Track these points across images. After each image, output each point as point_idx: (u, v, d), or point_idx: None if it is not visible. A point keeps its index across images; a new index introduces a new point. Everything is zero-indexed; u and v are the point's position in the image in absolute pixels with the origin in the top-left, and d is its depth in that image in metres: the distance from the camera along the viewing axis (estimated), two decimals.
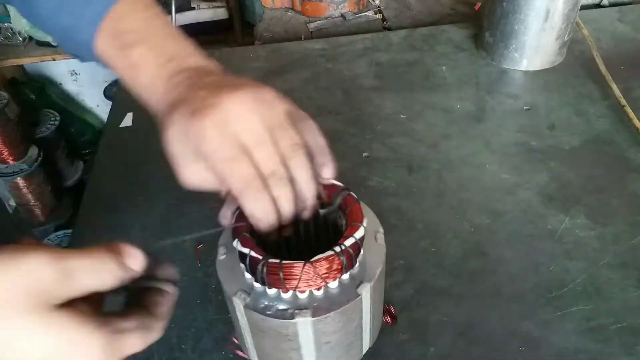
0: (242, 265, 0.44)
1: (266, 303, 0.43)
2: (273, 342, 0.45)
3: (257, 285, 0.43)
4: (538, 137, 0.80)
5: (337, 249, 0.42)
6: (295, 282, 0.41)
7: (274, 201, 0.41)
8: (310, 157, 0.43)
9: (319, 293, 0.43)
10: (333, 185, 0.47)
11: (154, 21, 0.48)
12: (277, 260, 0.41)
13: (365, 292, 0.43)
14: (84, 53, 0.48)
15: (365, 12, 1.20)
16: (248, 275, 0.44)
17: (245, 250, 0.42)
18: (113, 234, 0.68)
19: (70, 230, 1.53)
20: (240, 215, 0.44)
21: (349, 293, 0.43)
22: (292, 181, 0.42)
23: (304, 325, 0.42)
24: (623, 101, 0.82)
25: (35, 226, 1.58)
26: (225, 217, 0.45)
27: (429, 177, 0.74)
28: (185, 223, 0.68)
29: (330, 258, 0.42)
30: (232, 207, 0.45)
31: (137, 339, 0.35)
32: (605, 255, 0.63)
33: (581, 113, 0.84)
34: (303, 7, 1.20)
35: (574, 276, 0.61)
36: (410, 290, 0.60)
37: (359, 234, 0.44)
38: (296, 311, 0.42)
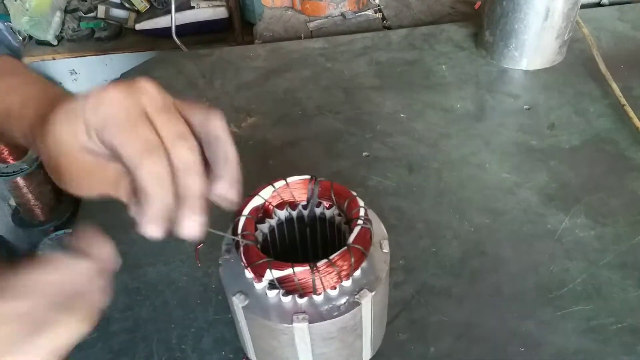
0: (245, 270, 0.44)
1: (265, 305, 0.43)
2: (271, 343, 0.45)
3: (257, 286, 0.43)
4: (538, 136, 0.79)
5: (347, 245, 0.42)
6: (318, 284, 0.41)
7: (183, 173, 0.35)
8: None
9: (319, 298, 0.43)
10: (342, 190, 0.47)
11: (21, 75, 0.47)
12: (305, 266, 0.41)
13: (366, 301, 0.43)
14: None
15: (365, 11, 1.20)
16: (249, 276, 0.44)
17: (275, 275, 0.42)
18: (113, 234, 0.68)
19: (70, 230, 1.53)
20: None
21: (350, 301, 0.43)
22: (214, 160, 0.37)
23: (301, 330, 0.42)
24: (623, 100, 0.81)
25: (35, 226, 1.58)
26: (138, 216, 0.37)
27: (429, 177, 0.74)
28: None
29: (343, 255, 0.42)
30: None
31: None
32: (605, 255, 0.63)
33: (581, 112, 0.84)
34: (303, 6, 1.20)
35: (574, 276, 0.61)
36: (410, 290, 0.60)
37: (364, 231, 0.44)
38: (294, 316, 0.42)
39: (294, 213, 0.49)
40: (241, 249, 0.43)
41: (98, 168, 0.38)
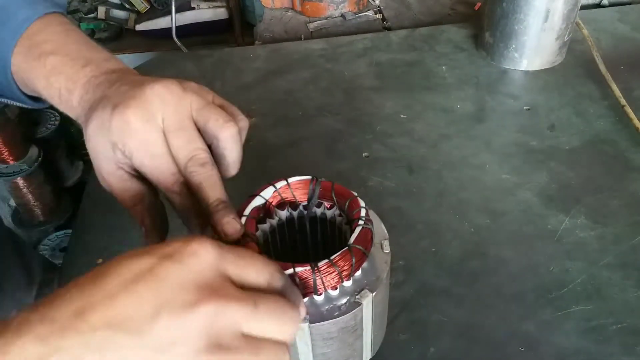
0: None
1: None
2: None
3: None
4: (538, 137, 0.80)
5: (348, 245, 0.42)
6: (319, 285, 0.41)
7: (199, 189, 0.40)
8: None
9: (319, 298, 0.43)
10: (342, 190, 0.47)
11: (69, 33, 0.47)
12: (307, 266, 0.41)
13: (367, 301, 0.43)
14: (1, 73, 0.47)
15: (365, 12, 1.20)
16: None
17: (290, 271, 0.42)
18: (113, 234, 0.68)
19: (70, 230, 1.53)
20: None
21: (351, 301, 0.43)
22: (219, 160, 0.42)
23: (301, 330, 0.42)
24: (623, 101, 0.82)
25: (35, 226, 1.58)
26: (153, 237, 0.45)
27: (429, 177, 0.74)
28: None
29: (344, 255, 0.42)
30: (157, 234, 0.44)
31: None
32: (605, 256, 0.63)
33: (581, 113, 0.84)
34: (303, 7, 1.21)
35: (574, 276, 0.61)
36: (410, 290, 0.60)
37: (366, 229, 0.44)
38: None
39: (295, 213, 0.49)
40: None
41: (121, 177, 0.42)
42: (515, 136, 0.80)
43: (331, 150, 0.80)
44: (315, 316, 0.42)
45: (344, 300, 0.43)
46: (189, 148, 0.40)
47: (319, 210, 0.49)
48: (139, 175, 0.42)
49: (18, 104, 0.50)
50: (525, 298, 0.59)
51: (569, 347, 0.54)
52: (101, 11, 1.92)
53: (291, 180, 0.48)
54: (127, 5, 1.92)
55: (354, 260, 0.42)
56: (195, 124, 0.41)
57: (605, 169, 0.74)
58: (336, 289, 0.43)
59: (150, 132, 0.39)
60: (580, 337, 0.55)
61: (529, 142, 0.79)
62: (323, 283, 0.42)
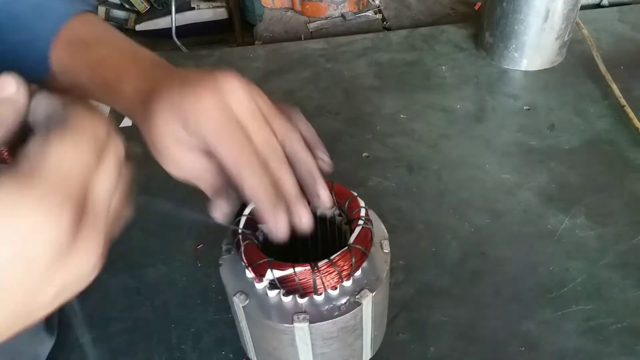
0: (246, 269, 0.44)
1: (266, 305, 0.43)
2: (271, 343, 0.45)
3: (258, 286, 0.43)
4: (538, 137, 0.80)
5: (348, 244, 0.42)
6: (318, 284, 0.41)
7: (277, 184, 0.39)
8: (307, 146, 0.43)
9: (319, 298, 0.43)
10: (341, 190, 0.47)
11: (110, 30, 0.47)
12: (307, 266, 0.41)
13: (367, 301, 0.43)
14: (39, 67, 0.46)
15: (365, 12, 1.20)
16: (249, 276, 0.44)
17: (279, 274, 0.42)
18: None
19: None
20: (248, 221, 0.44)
21: (351, 301, 0.43)
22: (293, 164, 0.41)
23: (301, 330, 0.42)
24: (623, 101, 0.82)
25: None
26: (221, 210, 0.42)
27: (429, 178, 0.74)
28: (186, 223, 0.68)
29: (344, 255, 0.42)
30: (228, 202, 0.43)
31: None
32: (605, 255, 0.63)
33: (581, 113, 0.84)
34: (303, 7, 1.21)
35: (574, 276, 0.61)
36: (410, 290, 0.60)
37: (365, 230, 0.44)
38: (294, 316, 0.42)
39: None
40: (242, 248, 0.43)
41: (192, 159, 0.40)
42: (515, 136, 0.80)
43: (331, 150, 0.79)
44: (315, 316, 0.42)
45: (343, 300, 0.43)
46: (271, 140, 0.40)
47: (318, 210, 0.49)
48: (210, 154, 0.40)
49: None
50: (525, 298, 0.59)
51: (569, 347, 0.54)
52: (101, 11, 1.92)
53: None
54: (127, 5, 1.92)
55: (353, 260, 0.42)
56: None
57: (605, 169, 0.74)
58: (336, 288, 0.43)
59: (222, 109, 0.38)
60: (580, 337, 0.55)
61: (529, 142, 0.79)
62: (323, 283, 0.42)
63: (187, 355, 0.55)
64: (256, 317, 0.43)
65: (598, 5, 1.13)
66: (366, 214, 0.46)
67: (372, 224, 0.46)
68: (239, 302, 0.43)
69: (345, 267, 0.42)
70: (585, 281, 0.60)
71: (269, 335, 0.44)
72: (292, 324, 0.42)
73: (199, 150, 0.40)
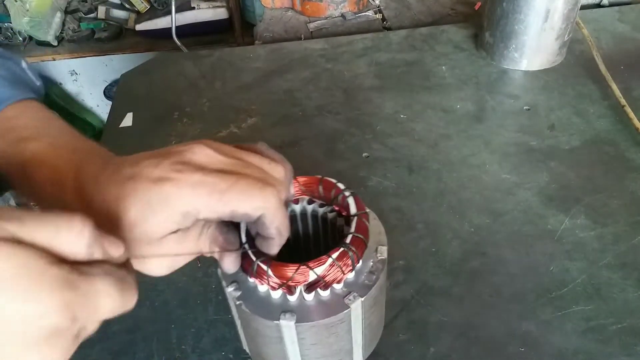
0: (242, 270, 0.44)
1: (256, 299, 0.43)
2: (261, 337, 0.45)
3: (250, 280, 0.43)
4: (538, 137, 0.80)
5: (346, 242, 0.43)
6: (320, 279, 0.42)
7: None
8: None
9: (309, 297, 0.43)
10: (337, 188, 0.47)
11: (50, 120, 0.44)
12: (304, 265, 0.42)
13: (356, 305, 0.43)
14: None
15: (365, 12, 1.20)
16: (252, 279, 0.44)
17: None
18: None
19: None
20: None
21: (340, 303, 0.43)
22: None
23: (287, 328, 0.42)
24: (623, 101, 0.82)
25: None
26: (231, 263, 0.42)
27: (429, 177, 0.74)
28: None
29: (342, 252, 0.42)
30: (233, 248, 0.42)
31: (111, 289, 0.28)
32: (605, 256, 0.63)
33: (581, 113, 0.84)
34: (303, 7, 1.21)
35: (574, 276, 0.61)
36: (410, 290, 0.60)
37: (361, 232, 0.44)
38: (282, 314, 0.42)
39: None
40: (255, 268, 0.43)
41: (181, 241, 0.38)
42: (515, 136, 0.80)
43: (331, 150, 0.80)
44: (303, 316, 0.42)
45: (333, 302, 0.43)
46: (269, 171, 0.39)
47: (306, 207, 0.49)
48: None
49: None
50: (525, 298, 0.59)
51: (569, 347, 0.54)
52: (101, 11, 1.93)
53: None
54: (127, 5, 1.92)
55: (352, 259, 0.42)
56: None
57: (605, 169, 0.74)
58: (341, 282, 0.43)
59: (208, 174, 0.36)
60: (580, 337, 0.55)
61: (529, 142, 0.79)
62: (343, 271, 0.42)
63: (187, 355, 0.55)
64: (246, 310, 0.43)
65: (598, 5, 1.13)
66: (359, 205, 0.46)
67: (355, 195, 0.46)
68: (232, 293, 0.44)
69: (347, 263, 0.42)
70: (585, 281, 0.60)
71: (258, 329, 0.44)
72: (277, 320, 0.42)
73: (186, 227, 0.37)
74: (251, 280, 0.43)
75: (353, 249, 0.43)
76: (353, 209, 0.46)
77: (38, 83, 0.49)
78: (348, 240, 0.43)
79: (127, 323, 0.59)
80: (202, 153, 0.37)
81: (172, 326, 0.58)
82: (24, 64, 0.48)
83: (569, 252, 0.63)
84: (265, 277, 0.41)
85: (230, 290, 0.44)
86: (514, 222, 0.67)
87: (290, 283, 0.42)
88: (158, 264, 0.38)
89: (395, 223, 0.67)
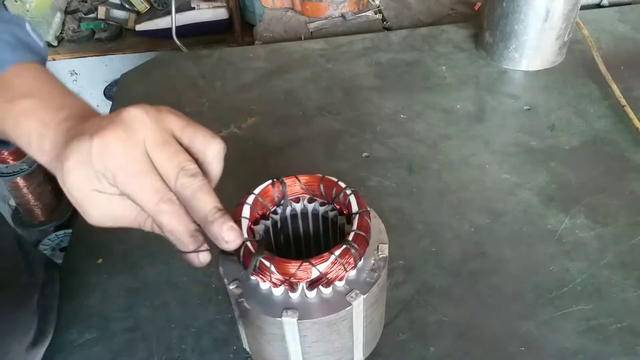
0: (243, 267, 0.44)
1: (258, 297, 0.43)
2: (263, 335, 0.45)
3: (252, 277, 0.43)
4: (538, 137, 0.80)
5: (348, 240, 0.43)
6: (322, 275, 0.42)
7: (192, 200, 0.39)
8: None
9: (311, 295, 0.43)
10: (338, 186, 0.47)
11: (46, 79, 0.46)
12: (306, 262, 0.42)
13: (358, 302, 0.43)
14: None
15: (365, 12, 1.20)
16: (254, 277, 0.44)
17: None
18: (113, 234, 0.68)
19: (70, 230, 1.53)
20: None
21: (342, 301, 0.43)
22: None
23: (290, 325, 0.42)
24: (623, 101, 0.82)
25: (35, 226, 1.58)
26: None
27: (429, 177, 0.74)
28: None
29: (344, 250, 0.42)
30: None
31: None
32: (605, 255, 0.63)
33: (581, 113, 0.84)
34: (303, 7, 1.21)
35: (574, 276, 0.61)
36: (410, 290, 0.60)
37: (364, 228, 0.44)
38: (284, 311, 0.42)
39: (277, 216, 0.49)
40: (242, 250, 0.43)
41: (111, 204, 0.40)
42: (515, 136, 0.80)
43: (331, 150, 0.80)
44: (305, 313, 0.42)
45: (335, 300, 0.43)
46: (176, 161, 0.38)
47: (307, 206, 0.49)
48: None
49: None
50: (525, 298, 0.59)
51: (569, 347, 0.54)
52: (101, 11, 1.92)
53: (258, 190, 0.48)
54: (127, 5, 1.92)
55: (354, 256, 0.43)
56: (179, 142, 0.40)
57: (605, 169, 0.74)
58: (343, 279, 0.43)
59: (131, 150, 0.38)
60: (580, 337, 0.55)
61: (529, 142, 0.79)
62: (345, 268, 0.42)
63: (187, 355, 0.55)
64: (248, 308, 0.43)
65: (598, 5, 1.13)
66: (360, 203, 0.46)
67: (357, 195, 0.46)
68: (233, 290, 0.44)
69: (349, 261, 0.42)
70: (585, 281, 0.60)
71: (260, 327, 0.44)
72: (281, 318, 0.42)
73: (117, 193, 0.39)
74: (253, 277, 0.43)
75: (355, 246, 0.43)
76: (355, 207, 0.46)
77: (42, 44, 0.51)
78: (350, 237, 0.43)
79: (127, 323, 0.59)
80: (142, 124, 0.39)
81: (172, 326, 0.58)
82: (28, 27, 0.50)
83: (569, 252, 0.63)
84: (268, 274, 0.41)
85: (231, 287, 0.44)
86: (514, 222, 0.67)
87: (292, 280, 0.42)
88: (93, 214, 0.40)
89: (395, 223, 0.67)
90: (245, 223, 0.44)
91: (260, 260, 0.42)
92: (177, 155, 0.39)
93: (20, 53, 0.46)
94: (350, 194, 0.47)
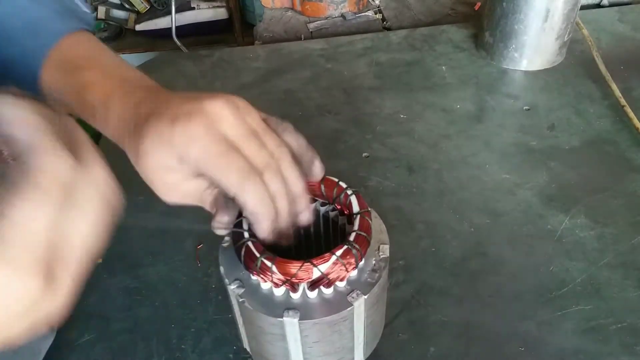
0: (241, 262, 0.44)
1: (259, 297, 0.43)
2: (263, 335, 0.45)
3: (253, 277, 0.43)
4: (538, 137, 0.80)
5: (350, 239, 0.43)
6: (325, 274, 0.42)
7: (272, 197, 0.40)
8: (295, 158, 0.43)
9: (313, 295, 0.43)
10: (339, 186, 0.47)
11: (102, 51, 0.47)
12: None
13: (359, 303, 0.43)
14: (29, 84, 0.46)
15: (365, 12, 1.20)
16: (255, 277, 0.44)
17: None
18: (113, 234, 0.68)
19: None
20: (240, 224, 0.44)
21: (343, 301, 0.43)
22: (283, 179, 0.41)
23: (291, 326, 0.42)
24: (623, 101, 0.82)
25: None
26: (221, 223, 0.43)
27: (429, 178, 0.74)
28: (185, 224, 0.68)
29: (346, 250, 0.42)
30: (228, 213, 0.43)
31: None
32: (605, 255, 0.63)
33: (581, 113, 0.84)
34: (303, 7, 1.21)
35: (574, 276, 0.61)
36: (410, 290, 0.60)
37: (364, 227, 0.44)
38: (285, 311, 0.42)
39: None
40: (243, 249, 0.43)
41: (184, 184, 0.41)
42: (515, 136, 0.80)
43: (331, 150, 0.80)
44: (306, 313, 0.42)
45: (336, 300, 0.43)
46: (263, 153, 0.40)
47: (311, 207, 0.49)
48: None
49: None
50: (525, 298, 0.59)
51: (569, 347, 0.54)
52: (101, 11, 1.93)
53: None
54: (127, 5, 1.92)
55: (356, 257, 0.42)
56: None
57: (605, 169, 0.74)
58: (343, 280, 0.43)
59: (214, 139, 0.38)
60: (580, 337, 0.55)
61: (529, 142, 0.79)
62: (346, 269, 0.42)
63: (187, 355, 0.55)
64: (249, 308, 0.43)
65: (598, 5, 1.13)
66: (361, 203, 0.46)
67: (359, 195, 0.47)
68: (234, 290, 0.44)
69: (350, 261, 0.42)
70: (585, 281, 0.60)
71: (261, 326, 0.44)
72: (282, 318, 0.42)
73: (192, 175, 0.40)
74: (254, 277, 0.43)
75: (357, 246, 0.43)
76: (356, 207, 0.46)
77: (87, 11, 0.51)
78: (352, 238, 0.43)
79: (127, 323, 0.59)
80: (225, 119, 0.39)
81: (172, 326, 0.58)
82: None
83: (569, 252, 0.63)
84: (269, 274, 0.41)
85: (232, 287, 0.44)
86: (514, 222, 0.67)
87: (294, 280, 0.42)
88: (166, 191, 0.41)
89: (395, 223, 0.67)
90: (246, 224, 0.44)
91: (262, 260, 0.42)
92: (262, 149, 0.40)
93: (71, 22, 0.46)
94: (351, 195, 0.47)
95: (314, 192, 0.49)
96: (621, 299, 0.58)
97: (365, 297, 0.43)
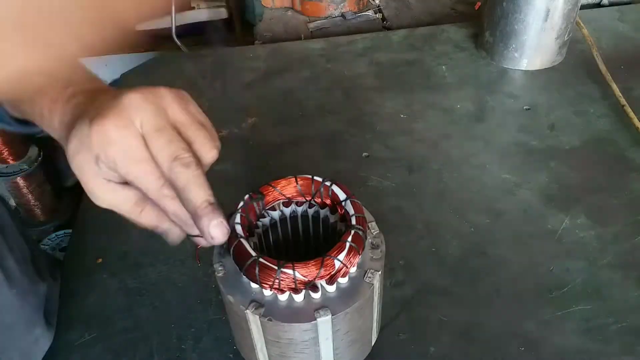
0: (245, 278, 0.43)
1: (281, 309, 0.42)
2: (293, 346, 0.44)
3: (267, 293, 0.42)
4: (538, 137, 0.79)
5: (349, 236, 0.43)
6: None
7: (184, 192, 0.38)
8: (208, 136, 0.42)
9: (332, 289, 0.42)
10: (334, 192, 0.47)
11: None
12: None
13: (376, 281, 0.43)
14: None
15: (365, 11, 1.20)
16: (255, 286, 0.43)
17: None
18: (113, 234, 0.68)
19: (70, 230, 1.53)
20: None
21: (361, 285, 0.43)
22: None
23: (324, 324, 0.42)
24: (623, 101, 0.82)
25: (35, 226, 1.58)
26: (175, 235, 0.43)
27: (429, 177, 0.74)
28: None
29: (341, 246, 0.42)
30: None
31: None
32: (605, 255, 0.63)
33: (581, 113, 0.84)
34: (303, 7, 1.21)
35: (574, 276, 0.61)
36: (410, 290, 0.60)
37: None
38: (315, 312, 0.41)
39: (267, 220, 0.49)
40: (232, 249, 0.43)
41: (115, 189, 0.40)
42: (515, 136, 0.80)
43: (331, 150, 0.80)
44: (334, 308, 0.42)
45: (354, 286, 0.43)
46: (171, 149, 0.38)
47: (307, 209, 0.49)
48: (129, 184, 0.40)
49: (9, 128, 0.49)
50: (525, 298, 0.59)
51: (569, 347, 0.54)
52: None
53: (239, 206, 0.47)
54: None
55: (363, 238, 0.43)
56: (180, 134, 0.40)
57: (605, 168, 0.74)
58: (345, 276, 0.43)
59: (129, 138, 0.38)
60: (580, 337, 0.55)
61: (529, 142, 0.79)
62: (347, 265, 0.42)
63: (187, 355, 0.55)
64: (274, 324, 0.42)
65: (598, 5, 1.13)
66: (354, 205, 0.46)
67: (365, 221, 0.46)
68: (254, 313, 0.42)
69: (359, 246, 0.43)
70: (585, 281, 0.60)
71: (292, 339, 0.43)
72: (314, 320, 0.41)
73: (117, 179, 0.40)
74: (268, 293, 0.42)
75: (361, 228, 0.43)
76: (342, 195, 0.46)
77: None
78: (353, 221, 0.43)
79: (127, 323, 0.59)
80: (142, 112, 0.39)
81: (172, 326, 0.58)
82: None
83: (569, 251, 0.63)
84: (292, 281, 0.41)
85: (251, 311, 0.42)
86: (514, 222, 0.67)
87: (318, 278, 0.41)
88: (98, 195, 0.40)
89: (395, 223, 0.67)
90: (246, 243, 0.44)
91: (282, 270, 0.41)
92: (171, 144, 0.39)
93: None
94: (331, 185, 0.47)
95: (292, 195, 0.48)
96: (621, 298, 0.58)
97: (380, 272, 0.44)
